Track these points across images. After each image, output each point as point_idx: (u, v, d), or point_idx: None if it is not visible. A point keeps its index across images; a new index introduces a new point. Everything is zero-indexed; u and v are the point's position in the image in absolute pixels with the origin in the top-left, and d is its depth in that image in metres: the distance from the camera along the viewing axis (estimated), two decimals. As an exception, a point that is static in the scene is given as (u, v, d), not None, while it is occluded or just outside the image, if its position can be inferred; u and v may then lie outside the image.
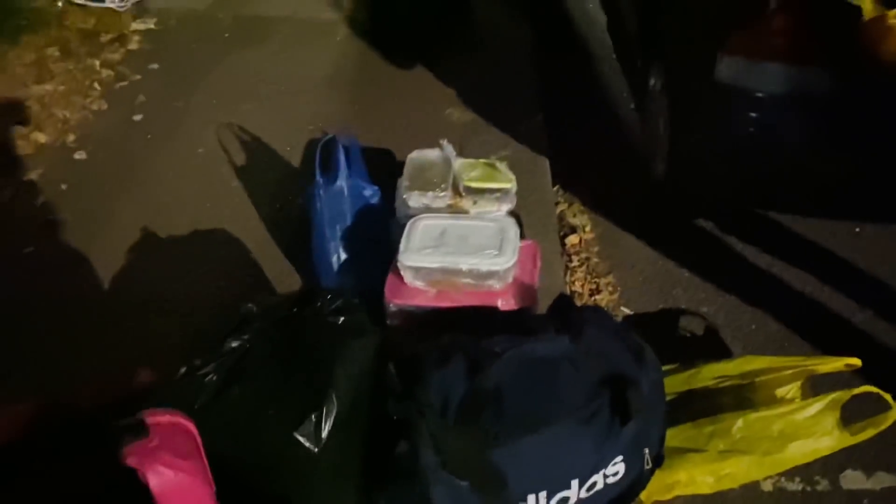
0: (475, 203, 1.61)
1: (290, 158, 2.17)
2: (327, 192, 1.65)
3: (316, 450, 1.12)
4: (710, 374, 1.41)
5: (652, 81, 1.82)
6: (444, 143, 1.68)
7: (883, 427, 1.28)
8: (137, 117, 2.39)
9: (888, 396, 1.29)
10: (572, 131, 2.19)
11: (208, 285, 1.78)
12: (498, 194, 1.61)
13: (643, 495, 1.31)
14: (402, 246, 1.48)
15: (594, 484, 1.18)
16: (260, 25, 2.81)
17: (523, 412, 1.15)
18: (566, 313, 1.34)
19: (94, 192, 2.10)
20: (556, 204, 2.04)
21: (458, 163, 1.66)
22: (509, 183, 1.64)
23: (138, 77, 2.57)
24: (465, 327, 1.34)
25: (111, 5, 2.83)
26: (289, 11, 2.87)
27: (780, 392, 1.41)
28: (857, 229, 1.90)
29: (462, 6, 2.70)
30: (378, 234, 1.67)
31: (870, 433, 1.28)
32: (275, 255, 1.85)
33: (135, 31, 2.79)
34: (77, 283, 1.82)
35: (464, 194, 1.62)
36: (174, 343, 1.59)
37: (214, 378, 1.19)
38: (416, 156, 1.72)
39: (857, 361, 1.36)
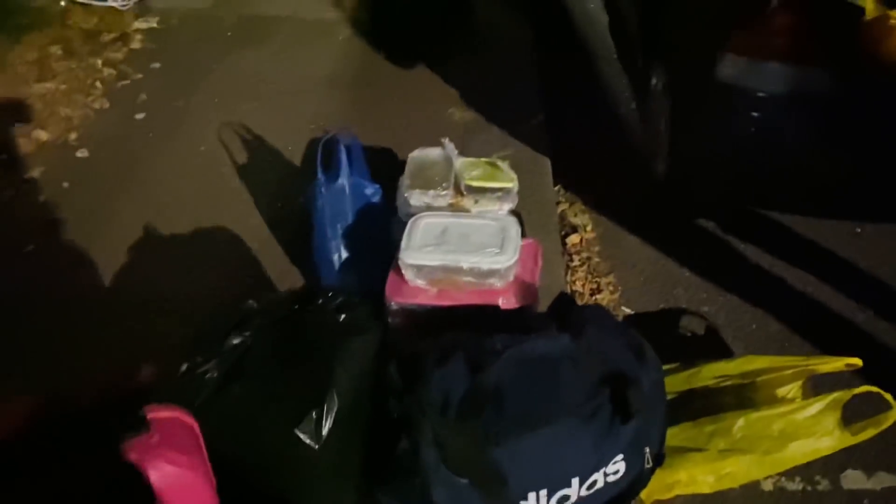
0: (476, 202, 1.61)
1: (292, 157, 2.17)
2: (329, 190, 1.65)
3: (316, 447, 1.12)
4: (710, 374, 1.41)
5: (653, 81, 1.82)
6: (446, 141, 1.68)
7: (883, 427, 1.28)
8: (139, 116, 2.40)
9: (889, 396, 1.29)
10: (573, 131, 2.20)
11: (209, 284, 1.78)
12: (499, 193, 1.61)
13: (644, 494, 1.31)
14: (403, 244, 1.48)
15: (595, 482, 1.18)
16: (262, 25, 2.82)
17: (524, 410, 1.15)
18: (567, 312, 1.34)
19: (95, 190, 2.11)
20: (558, 203, 2.04)
21: (460, 161, 1.66)
22: (511, 182, 1.64)
23: (140, 76, 2.58)
24: (466, 326, 1.34)
25: (114, 4, 2.84)
26: (290, 11, 2.88)
27: (780, 392, 1.41)
28: (858, 229, 1.90)
29: (463, 6, 2.71)
30: (379, 232, 1.67)
31: (870, 433, 1.28)
32: (276, 253, 1.86)
33: (137, 30, 2.79)
34: (78, 282, 1.83)
35: (465, 193, 1.62)
36: (175, 342, 1.58)
37: (215, 375, 1.19)
38: (418, 154, 1.72)
39: (857, 361, 1.36)
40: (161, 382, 1.39)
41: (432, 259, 1.46)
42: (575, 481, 1.16)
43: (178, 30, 2.82)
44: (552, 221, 1.94)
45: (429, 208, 1.60)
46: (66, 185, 2.13)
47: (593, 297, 1.79)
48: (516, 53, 2.54)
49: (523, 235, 1.55)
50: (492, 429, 1.14)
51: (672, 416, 1.31)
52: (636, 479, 1.24)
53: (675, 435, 1.32)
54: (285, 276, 1.79)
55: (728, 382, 1.41)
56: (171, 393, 1.14)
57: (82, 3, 2.82)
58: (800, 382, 1.40)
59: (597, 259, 1.90)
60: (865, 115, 2.06)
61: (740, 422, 1.30)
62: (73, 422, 1.35)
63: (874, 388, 1.30)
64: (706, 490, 1.35)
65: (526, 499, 1.15)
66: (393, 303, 1.50)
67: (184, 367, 1.20)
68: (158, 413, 0.96)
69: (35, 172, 2.17)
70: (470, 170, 1.65)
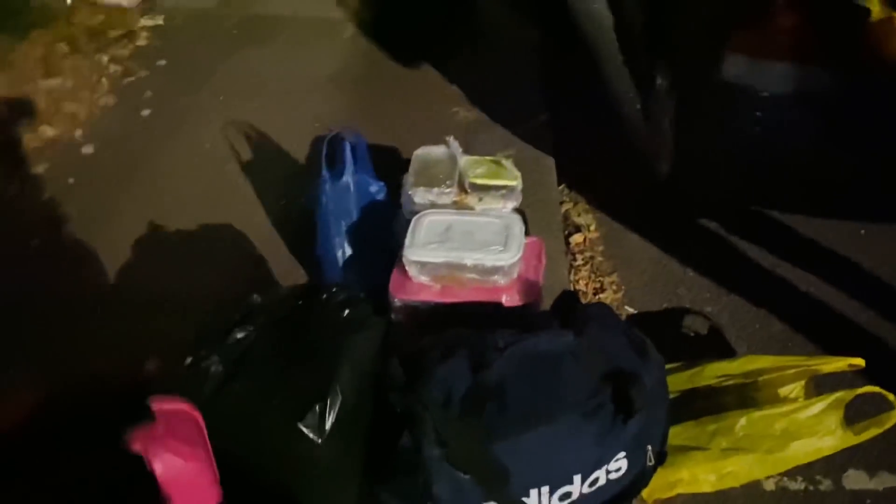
0: (480, 200, 1.61)
1: (296, 155, 2.17)
2: (333, 187, 1.66)
3: (319, 441, 1.12)
4: (713, 373, 1.41)
5: (657, 81, 1.82)
6: (450, 139, 1.68)
7: (886, 427, 1.28)
8: (145, 113, 2.40)
9: (891, 396, 1.29)
10: (577, 130, 2.20)
11: (212, 280, 1.78)
12: (503, 191, 1.61)
13: (645, 493, 1.31)
14: (407, 241, 1.49)
15: (596, 480, 1.18)
16: (267, 23, 2.83)
17: (526, 407, 1.15)
18: (570, 309, 1.34)
19: (100, 186, 2.11)
20: (561, 203, 2.05)
21: (464, 159, 1.66)
22: (515, 180, 1.64)
23: (146, 73, 2.59)
24: (469, 322, 1.34)
25: (120, 1, 2.84)
26: (295, 10, 2.89)
27: (783, 391, 1.41)
28: (862, 230, 1.90)
29: (468, 6, 2.71)
30: (383, 229, 1.67)
31: (873, 433, 1.28)
32: (280, 250, 1.86)
33: (143, 28, 2.80)
34: (82, 278, 1.83)
35: (469, 191, 1.62)
36: (178, 338, 1.58)
37: (219, 369, 1.20)
38: (422, 152, 1.72)
39: (860, 361, 1.35)
40: (165, 376, 1.39)
41: (436, 256, 1.46)
42: (577, 478, 1.16)
43: (183, 28, 2.83)
44: (556, 220, 1.94)
45: (433, 206, 1.60)
46: (71, 181, 2.14)
47: (596, 297, 1.79)
48: (520, 53, 2.54)
49: (527, 234, 1.55)
50: (494, 425, 1.14)
51: (674, 414, 1.31)
52: (638, 478, 1.24)
53: (678, 434, 1.32)
54: (289, 272, 1.79)
55: (730, 382, 1.41)
56: (175, 385, 1.15)
57: (89, 1, 2.83)
58: (802, 382, 1.40)
59: (600, 258, 1.90)
60: (869, 116, 2.06)
61: (742, 421, 1.30)
62: (78, 413, 1.35)
63: (876, 388, 1.30)
64: (708, 489, 1.35)
65: (528, 495, 1.15)
66: (396, 299, 1.50)
67: (188, 360, 1.20)
68: (163, 405, 0.96)
69: (41, 168, 2.18)
70: (474, 168, 1.66)
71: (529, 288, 1.50)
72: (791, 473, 1.40)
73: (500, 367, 1.19)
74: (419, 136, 1.83)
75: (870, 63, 1.93)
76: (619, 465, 1.19)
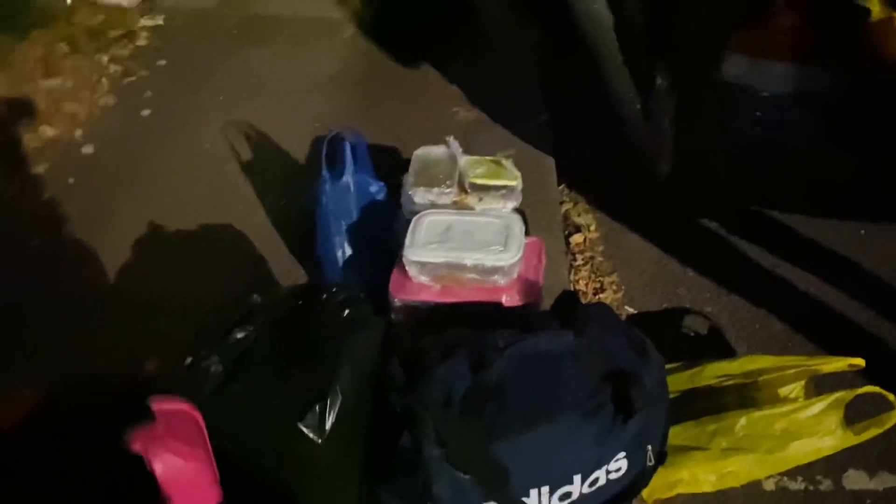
0: (480, 200, 1.61)
1: (296, 155, 2.17)
2: (333, 187, 1.66)
3: (319, 441, 1.12)
4: (713, 373, 1.41)
5: (657, 81, 1.82)
6: (450, 139, 1.68)
7: (886, 427, 1.28)
8: (145, 113, 2.40)
9: (891, 396, 1.29)
10: (577, 130, 2.20)
11: (212, 281, 1.78)
12: (503, 191, 1.61)
13: (645, 493, 1.31)
14: (407, 241, 1.49)
15: (596, 480, 1.18)
16: (267, 23, 2.83)
17: (526, 407, 1.15)
18: (570, 309, 1.34)
19: (100, 186, 2.11)
20: (561, 203, 2.05)
21: (464, 159, 1.66)
22: (515, 180, 1.64)
23: (146, 73, 2.59)
24: (469, 322, 1.34)
25: (121, 1, 2.84)
26: (295, 10, 2.88)
27: (783, 391, 1.41)
28: (862, 230, 1.90)
29: (468, 6, 2.71)
30: (383, 229, 1.67)
31: (873, 433, 1.29)
32: (280, 250, 1.86)
33: (143, 28, 2.80)
34: (82, 278, 1.83)
35: (469, 191, 1.62)
36: (178, 338, 1.58)
37: (219, 369, 1.20)
38: (422, 152, 1.72)
39: (860, 361, 1.36)
40: (165, 376, 1.39)
41: (436, 256, 1.46)
42: (577, 478, 1.16)
43: (183, 28, 2.83)
44: (556, 220, 1.94)
45: (433, 206, 1.60)
46: (71, 181, 2.14)
47: (596, 297, 1.79)
48: (521, 53, 2.54)
49: (527, 234, 1.55)
50: (494, 425, 1.14)
51: (674, 414, 1.31)
52: (638, 478, 1.24)
53: (678, 434, 1.32)
54: (289, 272, 1.79)
55: (730, 382, 1.41)
56: (175, 385, 1.15)
57: (88, 1, 2.83)
58: (802, 382, 1.40)
59: (600, 258, 1.90)
60: (869, 116, 2.06)
61: (742, 421, 1.30)
62: (78, 413, 1.35)
63: (877, 389, 1.30)
64: (708, 489, 1.35)
65: (528, 495, 1.15)
66: (396, 299, 1.50)
67: (188, 360, 1.20)
68: (163, 405, 0.96)
69: (41, 168, 2.18)
70: (474, 167, 1.66)
71: (529, 288, 1.50)
72: (791, 473, 1.40)
73: (500, 367, 1.19)
74: (419, 136, 1.83)
75: (870, 63, 1.93)
76: (619, 465, 1.19)
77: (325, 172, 1.66)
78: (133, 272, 1.84)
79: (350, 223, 1.66)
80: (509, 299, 1.47)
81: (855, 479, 1.41)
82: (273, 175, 2.11)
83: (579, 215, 2.02)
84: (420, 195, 1.61)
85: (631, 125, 1.88)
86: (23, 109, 2.33)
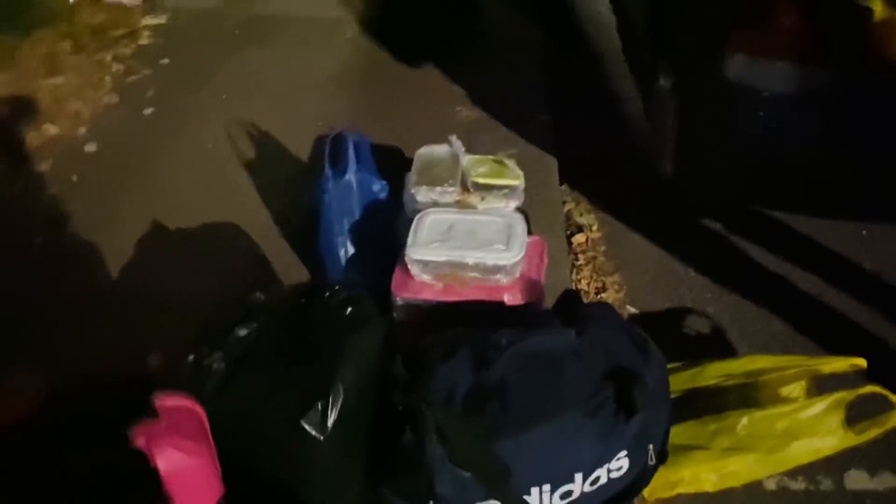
0: (483, 199, 1.61)
1: (299, 154, 2.18)
2: (336, 186, 1.66)
3: (321, 439, 1.13)
4: (714, 373, 1.41)
5: (659, 81, 1.83)
6: (453, 138, 1.68)
7: (887, 427, 1.28)
8: (148, 111, 2.41)
9: (893, 396, 1.29)
10: (580, 130, 2.20)
11: (215, 279, 1.78)
12: (506, 191, 1.62)
13: (646, 492, 1.31)
14: (409, 240, 1.49)
15: (598, 478, 1.19)
16: (270, 23, 2.83)
17: (528, 405, 1.16)
18: (572, 308, 1.35)
19: (103, 184, 2.12)
20: (564, 203, 2.05)
21: (467, 159, 1.66)
22: (517, 180, 1.64)
23: (149, 71, 2.60)
24: (471, 321, 1.34)
25: (123, 0, 2.85)
26: (298, 10, 2.89)
27: (784, 391, 1.40)
28: (864, 230, 1.90)
29: (470, 6, 2.72)
30: (385, 228, 1.67)
31: (874, 433, 1.29)
32: (282, 249, 1.86)
33: (146, 27, 2.81)
34: (84, 275, 1.84)
35: (472, 190, 1.62)
36: (180, 337, 1.59)
37: (222, 367, 1.20)
38: (425, 151, 1.72)
39: (862, 362, 1.36)
40: (168, 373, 1.39)
41: (438, 255, 1.46)
42: (578, 477, 1.17)
43: (186, 27, 2.84)
44: (558, 220, 1.94)
45: (435, 205, 1.60)
46: (74, 178, 2.14)
47: (598, 296, 1.79)
48: (523, 53, 2.55)
49: (529, 233, 1.55)
50: (496, 424, 1.14)
51: (676, 414, 1.31)
52: (639, 477, 1.24)
53: (679, 433, 1.32)
54: (291, 271, 1.79)
55: (732, 381, 1.41)
56: (178, 383, 1.15)
57: (92, 0, 2.84)
58: (803, 382, 1.40)
59: (602, 258, 1.90)
60: (871, 116, 2.06)
61: (744, 420, 1.30)
62: (80, 410, 1.36)
63: (878, 389, 1.30)
64: (709, 488, 1.35)
65: (529, 493, 1.15)
66: (399, 298, 1.50)
67: (191, 357, 1.20)
68: (166, 401, 0.97)
69: (44, 166, 2.19)
70: (477, 167, 1.66)
71: (531, 287, 1.50)
72: (792, 473, 1.40)
73: (502, 366, 1.19)
74: (422, 136, 1.84)
75: (872, 63, 1.92)
76: (620, 463, 1.19)
77: (328, 171, 1.67)
78: (135, 270, 1.84)
79: (352, 222, 1.67)
80: (511, 298, 1.47)
81: (856, 479, 1.41)
82: (275, 174, 2.12)
83: (581, 215, 2.03)
84: (422, 194, 1.62)
85: (633, 125, 1.89)
86: (26, 108, 2.34)
